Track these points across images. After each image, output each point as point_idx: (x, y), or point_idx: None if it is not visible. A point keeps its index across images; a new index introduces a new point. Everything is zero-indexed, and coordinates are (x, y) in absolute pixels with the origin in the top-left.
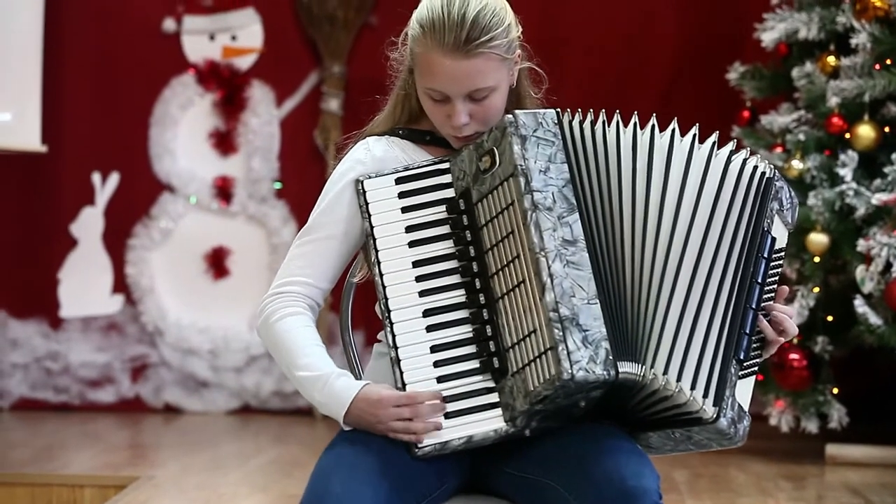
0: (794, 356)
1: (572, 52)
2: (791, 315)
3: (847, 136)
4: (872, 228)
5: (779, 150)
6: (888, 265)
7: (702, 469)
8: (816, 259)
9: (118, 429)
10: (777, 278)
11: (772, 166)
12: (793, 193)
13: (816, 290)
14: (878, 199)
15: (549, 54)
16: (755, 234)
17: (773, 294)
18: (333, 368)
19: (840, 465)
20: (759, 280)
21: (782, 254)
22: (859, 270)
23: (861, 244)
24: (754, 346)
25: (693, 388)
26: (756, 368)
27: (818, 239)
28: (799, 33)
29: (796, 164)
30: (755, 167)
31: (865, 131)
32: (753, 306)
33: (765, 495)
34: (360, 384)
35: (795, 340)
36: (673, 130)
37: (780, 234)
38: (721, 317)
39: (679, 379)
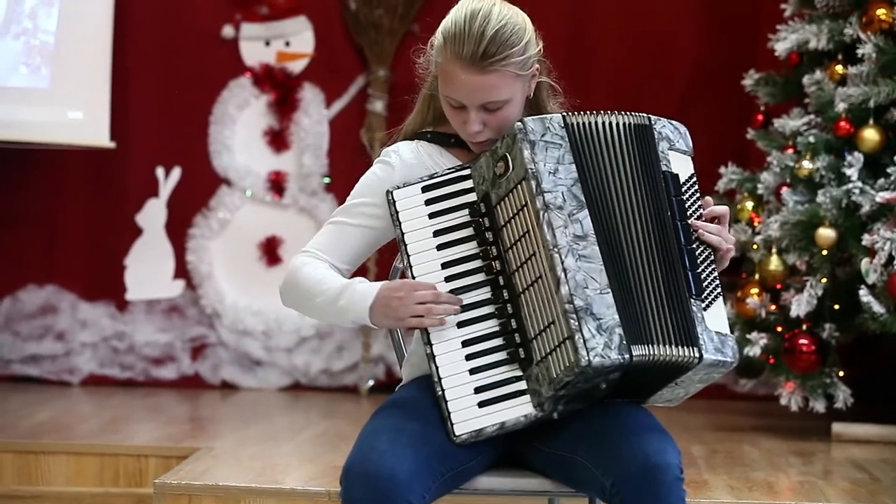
0: (803, 341)
1: (599, 61)
2: (718, 228)
3: (853, 138)
4: (876, 224)
5: (790, 151)
6: (891, 258)
7: (717, 445)
8: (824, 252)
9: (178, 403)
10: (698, 203)
11: (645, 116)
12: (676, 123)
13: (824, 280)
14: (881, 197)
15: (577, 64)
16: (654, 183)
17: (700, 216)
18: (353, 279)
19: (845, 442)
20: (679, 218)
21: (693, 179)
22: (864, 263)
23: (866, 239)
24: (707, 270)
25: (668, 343)
26: (719, 290)
27: (826, 233)
28: (809, 44)
29: (806, 165)
30: (625, 125)
31: (870, 134)
32: (685, 244)
33: (776, 469)
34: (382, 282)
35: (804, 327)
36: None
37: (682, 165)
38: (663, 268)
39: (662, 342)
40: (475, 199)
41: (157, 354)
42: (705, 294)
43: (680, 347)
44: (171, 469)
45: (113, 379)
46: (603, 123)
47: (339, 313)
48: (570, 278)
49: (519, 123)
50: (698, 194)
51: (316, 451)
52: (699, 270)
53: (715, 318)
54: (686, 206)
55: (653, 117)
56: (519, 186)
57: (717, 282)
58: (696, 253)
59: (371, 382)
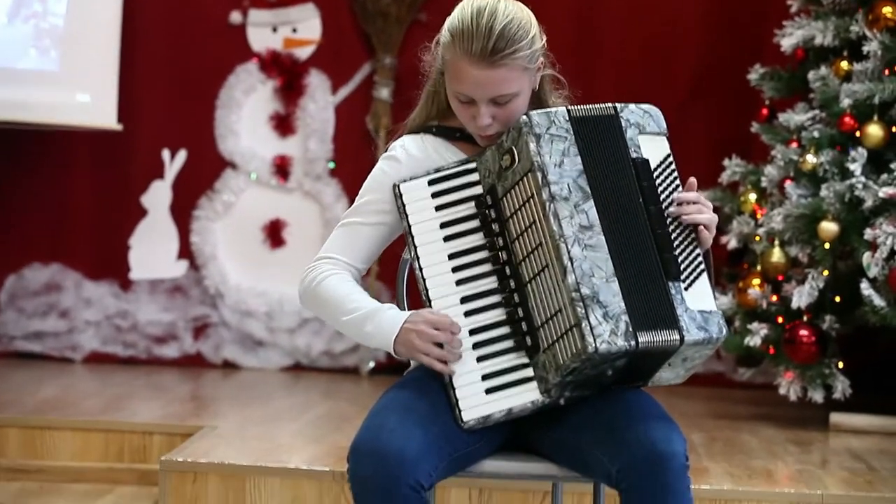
0: (803, 332)
1: (605, 53)
2: (697, 203)
3: (857, 134)
4: (879, 219)
5: (794, 145)
6: (892, 252)
7: (717, 433)
8: (826, 245)
9: (181, 382)
10: (676, 186)
11: (611, 105)
12: (646, 107)
13: (826, 273)
14: (884, 192)
15: (583, 56)
16: (624, 171)
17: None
18: (381, 304)
19: (843, 432)
20: (655, 203)
21: (668, 161)
22: (866, 256)
23: (868, 233)
24: (687, 251)
25: (648, 328)
26: (702, 267)
27: (829, 227)
28: (815, 40)
29: (810, 159)
30: (598, 117)
31: (874, 130)
32: (660, 230)
33: (774, 458)
34: (408, 312)
35: (804, 318)
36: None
37: (654, 149)
38: (644, 254)
39: (644, 328)
40: (481, 191)
41: (160, 333)
42: (686, 275)
43: (661, 332)
44: (175, 447)
45: (115, 357)
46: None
47: (365, 338)
48: (576, 267)
49: (524, 117)
50: (675, 174)
51: (319, 432)
52: (676, 253)
53: (698, 296)
54: (658, 190)
55: (619, 105)
56: (525, 178)
57: (700, 260)
58: (673, 236)
59: (372, 364)
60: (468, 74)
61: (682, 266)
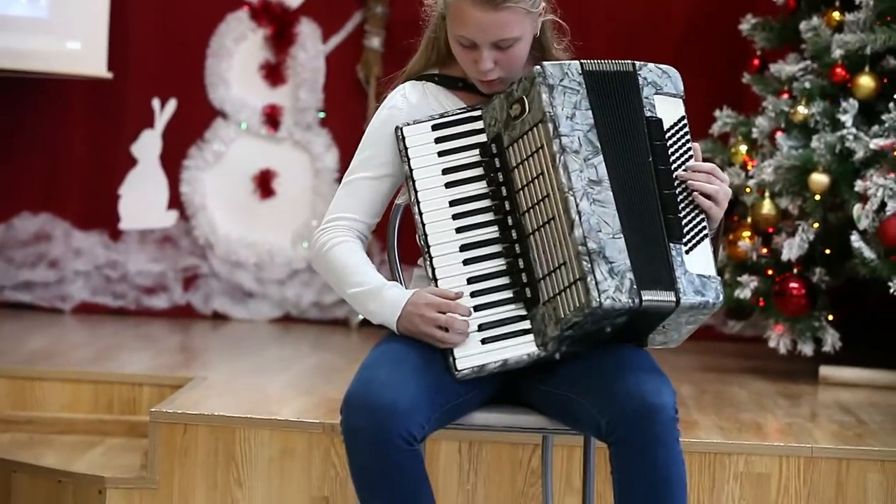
0: (793, 285)
1: (595, 4)
2: (707, 180)
3: (849, 85)
4: (869, 171)
5: (785, 96)
6: (883, 204)
7: (706, 386)
8: (817, 197)
9: (170, 333)
10: (688, 148)
11: (630, 62)
12: (665, 67)
13: (816, 225)
14: (875, 143)
15: (573, 5)
16: (636, 129)
17: (689, 161)
18: (385, 281)
19: (832, 385)
20: (664, 164)
21: (682, 123)
22: (856, 208)
23: (858, 185)
24: (692, 215)
25: (648, 287)
26: (705, 232)
27: (819, 179)
28: None
29: (801, 110)
30: (612, 73)
31: (866, 81)
32: (667, 190)
33: (764, 411)
34: (410, 292)
35: (794, 270)
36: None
37: (669, 110)
38: (649, 212)
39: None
40: (486, 139)
41: (150, 284)
42: (688, 238)
43: (655, 293)
44: (164, 398)
45: (105, 307)
46: (606, 72)
47: (369, 314)
48: (584, 221)
49: (538, 67)
50: (688, 136)
51: (310, 383)
52: (681, 214)
53: (698, 260)
54: (669, 150)
55: (638, 63)
56: (535, 129)
57: (703, 225)
58: (679, 198)
59: (361, 316)
60: (471, 17)
61: (686, 229)
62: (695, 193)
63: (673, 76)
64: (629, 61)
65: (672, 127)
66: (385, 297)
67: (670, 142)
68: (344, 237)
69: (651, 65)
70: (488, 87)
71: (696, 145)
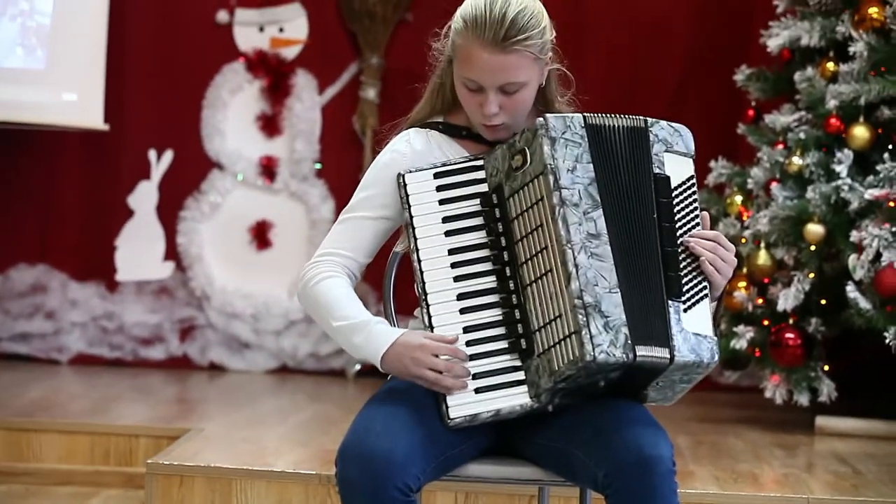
0: (789, 335)
1: (592, 51)
2: (712, 248)
3: (843, 135)
4: (865, 221)
5: (780, 146)
6: (878, 255)
7: (703, 436)
8: (812, 247)
9: (167, 384)
10: (694, 207)
11: (642, 118)
12: (677, 126)
13: (812, 275)
14: (870, 194)
15: (570, 53)
16: (643, 184)
17: (696, 223)
18: (372, 317)
19: (828, 435)
20: (669, 221)
21: (690, 182)
22: (851, 259)
23: (854, 235)
24: (692, 275)
25: (643, 342)
26: (705, 293)
27: (815, 229)
28: (801, 40)
29: (796, 160)
30: (623, 127)
31: (860, 132)
32: (669, 247)
33: (760, 461)
34: (400, 330)
35: (790, 321)
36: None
37: (678, 168)
38: (649, 268)
39: (642, 342)
40: (487, 189)
41: (146, 335)
42: (687, 297)
43: (649, 349)
44: (161, 449)
45: (101, 358)
46: (614, 127)
47: (353, 348)
48: (581, 274)
49: (541, 119)
50: (696, 195)
51: (306, 434)
52: (681, 272)
53: (695, 319)
54: (675, 208)
55: (650, 119)
56: (536, 180)
57: (704, 285)
58: (681, 258)
59: (358, 367)
60: (479, 59)
61: (686, 288)
62: (700, 259)
63: (684, 135)
64: (641, 117)
65: (680, 185)
66: (372, 332)
67: (677, 200)
68: (333, 272)
69: (663, 122)
70: (492, 132)
71: (706, 214)
